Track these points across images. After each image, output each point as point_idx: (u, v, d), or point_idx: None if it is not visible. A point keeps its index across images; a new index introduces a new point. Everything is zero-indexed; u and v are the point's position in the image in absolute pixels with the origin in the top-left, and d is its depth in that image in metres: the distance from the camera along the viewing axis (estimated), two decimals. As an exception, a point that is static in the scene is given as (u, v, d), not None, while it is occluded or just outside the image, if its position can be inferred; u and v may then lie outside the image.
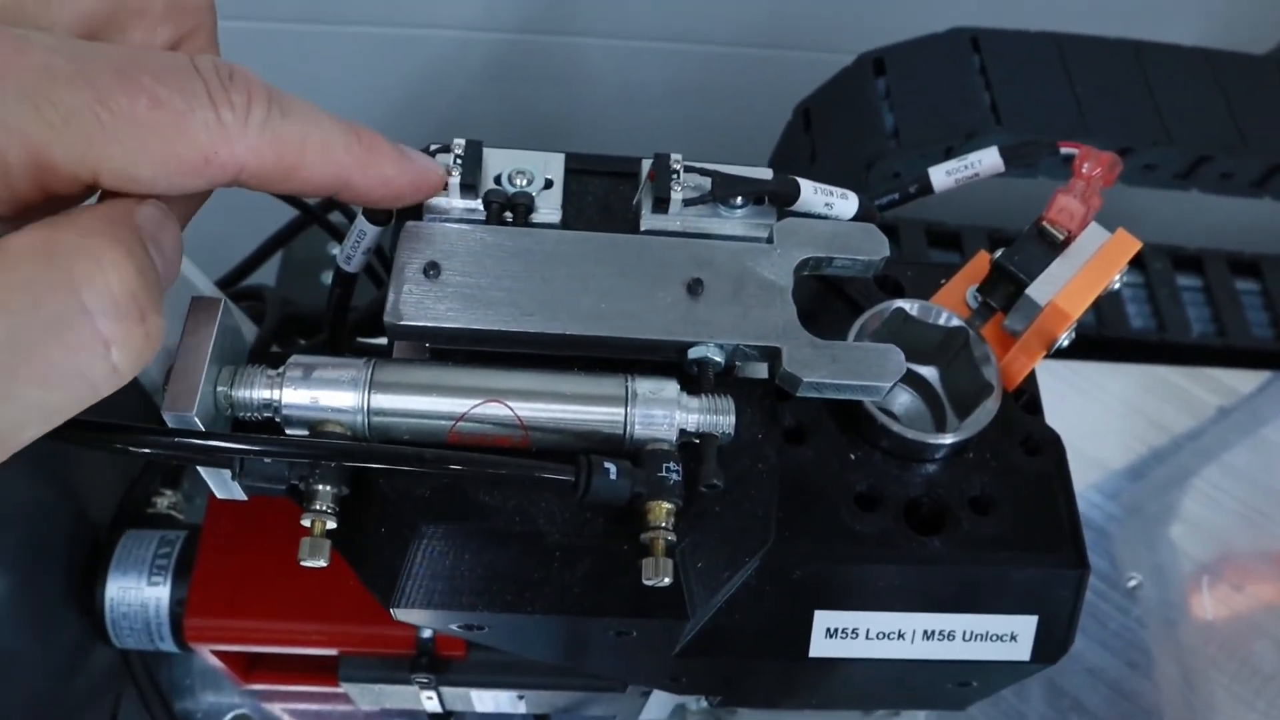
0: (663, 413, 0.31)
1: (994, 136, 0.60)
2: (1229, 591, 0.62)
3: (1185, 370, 0.71)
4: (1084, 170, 0.39)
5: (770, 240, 0.35)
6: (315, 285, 0.74)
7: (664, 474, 0.29)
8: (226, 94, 0.25)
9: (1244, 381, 0.71)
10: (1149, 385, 0.70)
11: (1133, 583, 0.61)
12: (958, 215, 0.79)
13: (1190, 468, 0.67)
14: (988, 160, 0.43)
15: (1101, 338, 0.74)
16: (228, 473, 0.30)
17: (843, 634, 0.35)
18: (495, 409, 0.30)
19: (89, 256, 0.23)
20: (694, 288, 0.33)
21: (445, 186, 0.33)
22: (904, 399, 0.40)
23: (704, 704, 0.52)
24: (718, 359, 0.32)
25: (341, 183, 0.29)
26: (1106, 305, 0.75)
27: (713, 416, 0.31)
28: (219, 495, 0.32)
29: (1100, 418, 0.68)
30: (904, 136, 0.63)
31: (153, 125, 0.24)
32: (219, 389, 0.30)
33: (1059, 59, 0.65)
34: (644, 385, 0.31)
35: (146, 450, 0.28)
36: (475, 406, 0.30)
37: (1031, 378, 0.40)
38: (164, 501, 0.54)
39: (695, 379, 0.32)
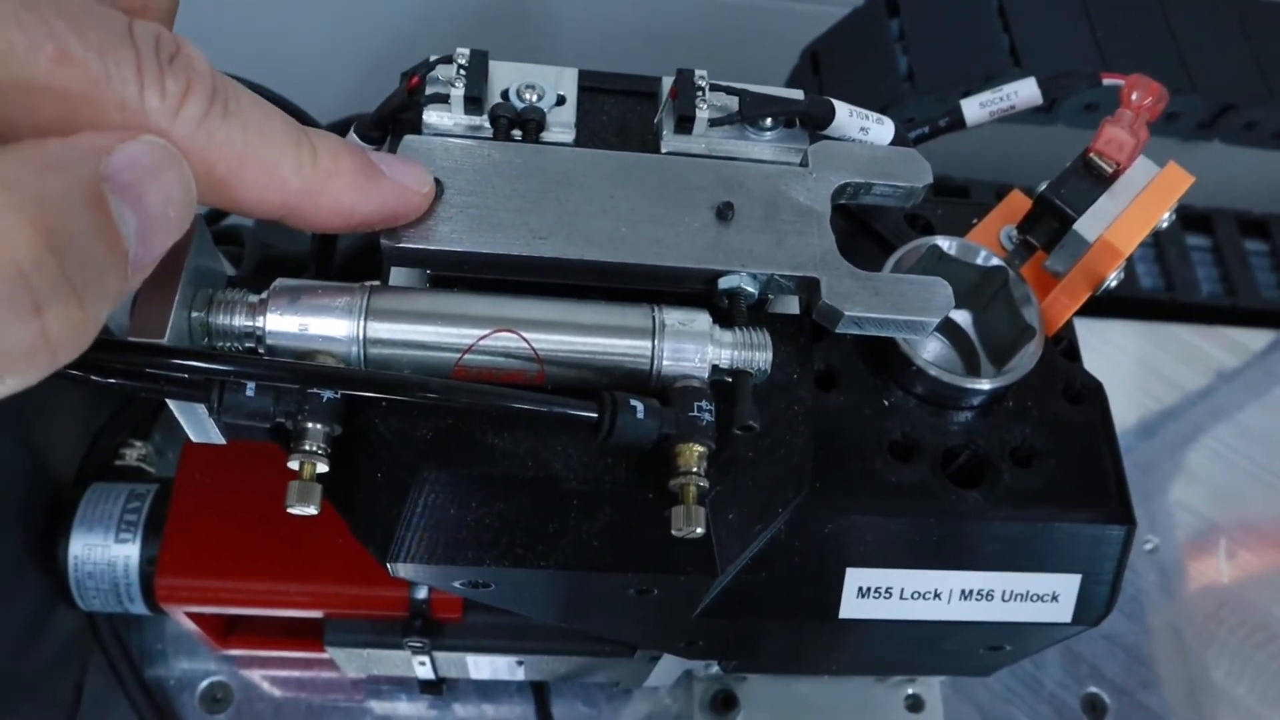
0: (694, 347, 0.28)
1: (1012, 79, 0.57)
2: (1242, 552, 0.61)
3: (1198, 328, 0.69)
4: (1133, 100, 0.36)
5: (804, 164, 0.32)
6: (296, 232, 0.69)
7: (695, 414, 0.27)
8: (160, 74, 0.20)
9: (1256, 339, 0.69)
10: (1161, 343, 0.68)
11: (1149, 545, 0.60)
12: (963, 170, 0.77)
13: (1202, 426, 0.65)
14: (1024, 92, 0.41)
15: (1109, 296, 0.72)
16: (203, 410, 0.27)
17: (875, 593, 0.33)
18: (507, 340, 0.27)
19: None
20: (724, 212, 0.30)
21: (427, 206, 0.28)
22: (934, 345, 0.38)
23: (713, 670, 0.49)
24: (751, 290, 0.29)
25: (286, 209, 0.24)
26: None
27: (748, 352, 0.28)
28: (194, 438, 0.29)
29: (1113, 374, 0.66)
30: (919, 80, 0.60)
31: (51, 84, 0.19)
32: (194, 314, 0.26)
33: (1080, 1, 0.62)
34: (673, 316, 0.28)
35: (109, 377, 0.24)
36: (484, 337, 0.27)
37: (1070, 324, 0.38)
38: (133, 453, 0.51)
39: (726, 312, 0.29)
